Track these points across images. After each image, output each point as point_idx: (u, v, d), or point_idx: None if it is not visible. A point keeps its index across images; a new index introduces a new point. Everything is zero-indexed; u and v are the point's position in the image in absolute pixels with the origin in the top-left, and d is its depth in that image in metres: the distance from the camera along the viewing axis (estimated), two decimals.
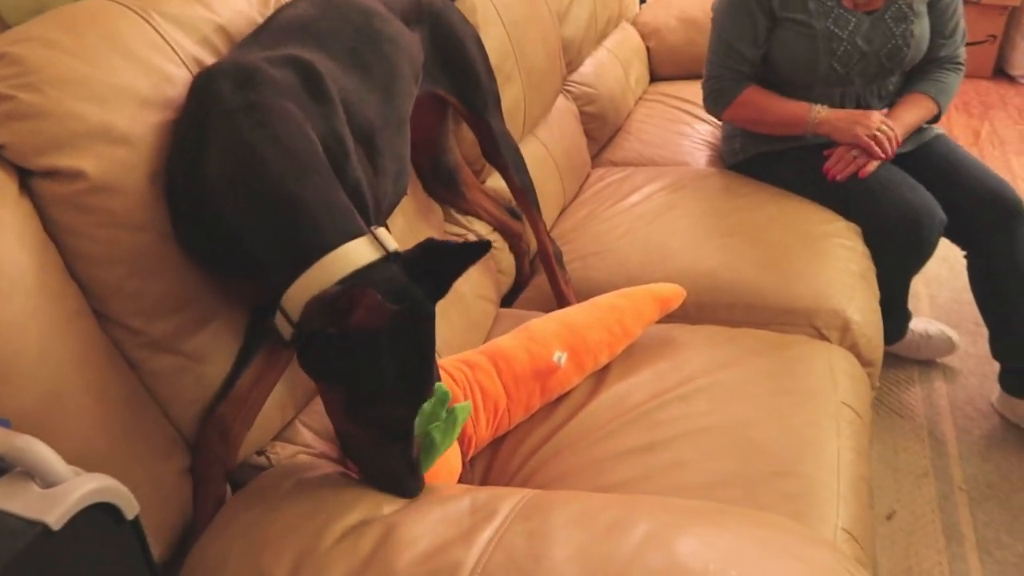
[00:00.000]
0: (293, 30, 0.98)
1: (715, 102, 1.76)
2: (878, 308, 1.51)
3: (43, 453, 0.60)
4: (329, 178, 0.84)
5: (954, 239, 1.71)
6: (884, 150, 1.59)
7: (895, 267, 1.65)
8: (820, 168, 1.64)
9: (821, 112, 1.64)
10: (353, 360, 0.77)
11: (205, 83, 0.89)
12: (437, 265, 0.82)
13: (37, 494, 0.58)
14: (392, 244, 0.82)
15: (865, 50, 1.63)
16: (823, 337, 1.38)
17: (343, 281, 0.77)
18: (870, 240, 1.61)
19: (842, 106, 1.70)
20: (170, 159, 0.88)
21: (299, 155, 0.83)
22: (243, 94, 0.85)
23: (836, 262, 1.50)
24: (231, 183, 0.83)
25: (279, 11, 1.02)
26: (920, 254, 1.63)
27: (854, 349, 1.38)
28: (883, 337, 1.48)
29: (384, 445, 0.82)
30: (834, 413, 1.15)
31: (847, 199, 1.62)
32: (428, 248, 0.83)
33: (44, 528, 0.56)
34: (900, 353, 1.94)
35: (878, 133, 1.59)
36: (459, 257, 0.82)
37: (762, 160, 1.75)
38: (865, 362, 1.38)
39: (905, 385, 1.90)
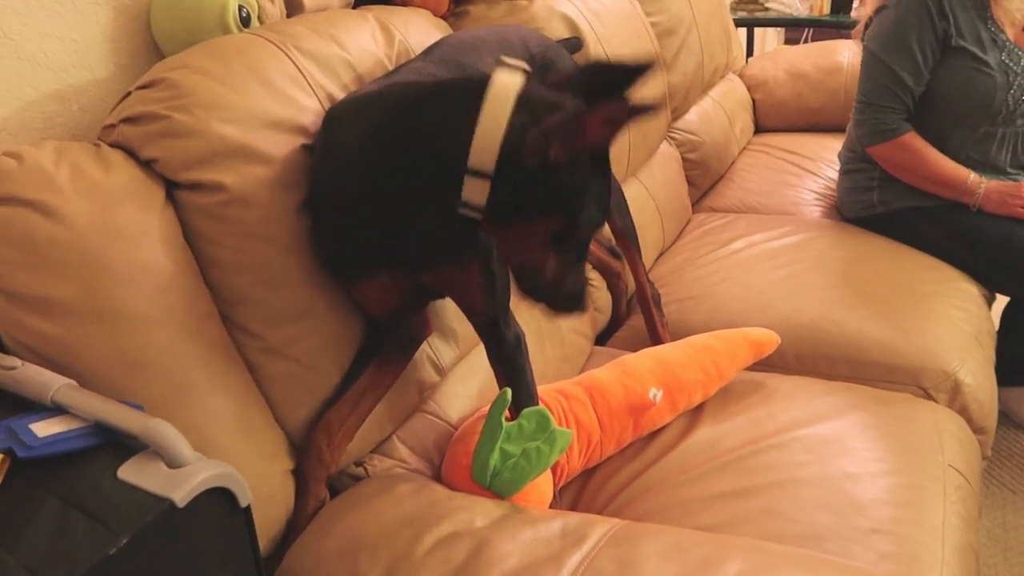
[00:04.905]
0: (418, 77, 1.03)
1: (871, 134, 1.64)
2: (993, 374, 1.43)
3: (173, 436, 0.64)
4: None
5: None
6: None
7: None
8: (970, 227, 1.58)
9: (978, 181, 1.58)
10: (574, 183, 0.79)
11: (335, 111, 0.96)
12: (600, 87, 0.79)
13: (165, 473, 0.63)
14: (521, 63, 0.81)
15: None
16: (930, 398, 1.32)
17: (521, 109, 0.77)
18: (1012, 308, 1.54)
19: (1000, 152, 1.63)
20: (313, 174, 0.94)
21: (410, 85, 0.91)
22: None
23: (948, 322, 1.43)
24: (384, 133, 0.86)
25: (405, 63, 1.07)
26: None
27: (964, 413, 1.31)
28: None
29: (570, 268, 0.86)
30: (940, 476, 1.09)
31: (1000, 265, 1.56)
32: (590, 71, 0.81)
33: (170, 504, 0.61)
34: (1014, 408, 1.83)
35: None
36: (626, 74, 0.77)
37: (906, 215, 1.67)
38: (976, 428, 1.31)
39: (1019, 459, 1.79)
